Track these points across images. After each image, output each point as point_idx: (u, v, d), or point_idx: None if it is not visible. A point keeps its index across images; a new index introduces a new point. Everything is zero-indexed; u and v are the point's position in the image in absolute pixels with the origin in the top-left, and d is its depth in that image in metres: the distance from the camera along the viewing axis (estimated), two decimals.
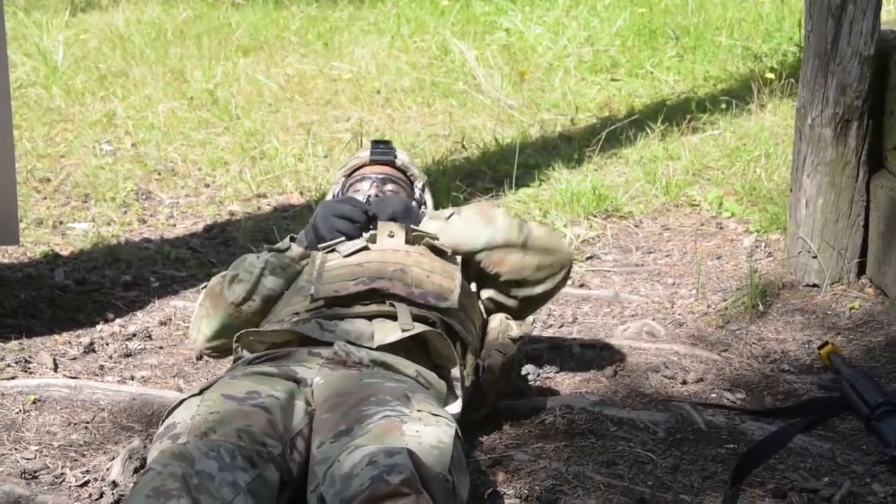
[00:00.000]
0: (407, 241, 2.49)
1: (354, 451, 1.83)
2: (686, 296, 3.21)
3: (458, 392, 2.29)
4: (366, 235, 2.52)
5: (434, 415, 1.99)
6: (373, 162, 2.81)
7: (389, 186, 2.77)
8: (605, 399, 2.54)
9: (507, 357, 2.40)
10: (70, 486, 2.18)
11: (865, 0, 2.99)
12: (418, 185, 2.85)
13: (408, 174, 2.84)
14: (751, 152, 4.12)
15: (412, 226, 2.54)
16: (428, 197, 2.87)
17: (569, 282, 3.32)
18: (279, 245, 2.58)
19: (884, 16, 3.14)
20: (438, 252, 2.51)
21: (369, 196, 2.72)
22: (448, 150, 4.38)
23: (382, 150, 2.82)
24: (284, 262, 2.54)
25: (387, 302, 2.34)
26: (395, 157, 2.83)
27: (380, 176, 2.78)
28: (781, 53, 5.18)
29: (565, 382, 2.70)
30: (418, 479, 1.76)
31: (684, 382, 2.66)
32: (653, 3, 5.86)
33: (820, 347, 2.69)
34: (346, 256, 2.46)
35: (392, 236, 2.50)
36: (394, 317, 2.31)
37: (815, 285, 3.14)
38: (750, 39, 5.39)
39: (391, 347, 2.24)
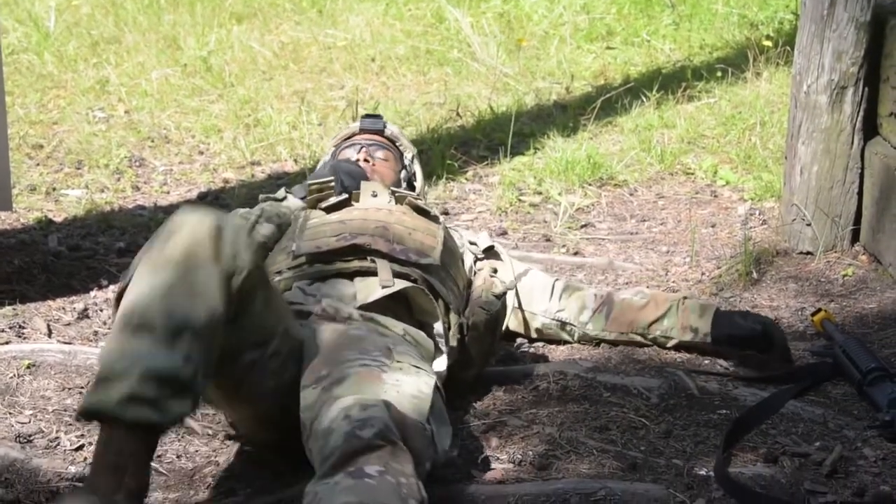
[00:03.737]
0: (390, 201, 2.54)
1: (333, 403, 1.85)
2: (680, 263, 3.22)
3: (443, 347, 2.31)
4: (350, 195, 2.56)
5: (415, 367, 2.01)
6: (362, 130, 2.86)
7: (379, 154, 2.81)
8: (598, 365, 2.55)
9: (492, 314, 2.41)
10: (65, 450, 2.18)
11: None
12: (408, 155, 2.89)
13: (397, 144, 2.88)
14: (746, 120, 4.12)
15: (395, 188, 2.59)
16: (417, 168, 2.90)
17: (563, 249, 3.34)
18: (276, 194, 2.59)
19: None
20: (421, 212, 2.53)
21: (358, 160, 2.76)
22: (443, 119, 4.37)
23: (372, 119, 2.89)
24: (281, 210, 2.56)
25: (368, 258, 2.35)
26: (385, 126, 2.88)
27: (369, 142, 2.82)
28: (778, 21, 5.16)
29: (559, 349, 2.71)
30: (395, 430, 1.77)
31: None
32: None
33: (813, 314, 2.70)
34: (328, 213, 2.48)
35: (375, 196, 2.54)
36: (374, 273, 2.32)
37: (808, 253, 3.15)
38: (746, 7, 5.37)
39: (375, 306, 2.26)
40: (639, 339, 2.66)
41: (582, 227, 3.50)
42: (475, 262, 2.66)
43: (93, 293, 2.97)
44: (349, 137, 2.88)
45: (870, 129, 3.11)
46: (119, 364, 1.76)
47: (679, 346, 2.65)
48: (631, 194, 3.73)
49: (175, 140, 4.23)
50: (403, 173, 2.84)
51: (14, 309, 2.80)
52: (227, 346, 1.90)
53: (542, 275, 2.77)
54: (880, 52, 3.05)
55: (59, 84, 4.76)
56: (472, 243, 2.71)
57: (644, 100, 4.37)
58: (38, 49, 5.12)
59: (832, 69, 3.04)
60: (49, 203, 3.62)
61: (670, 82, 4.55)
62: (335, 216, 2.47)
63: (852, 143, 3.09)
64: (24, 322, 2.74)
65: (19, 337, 2.67)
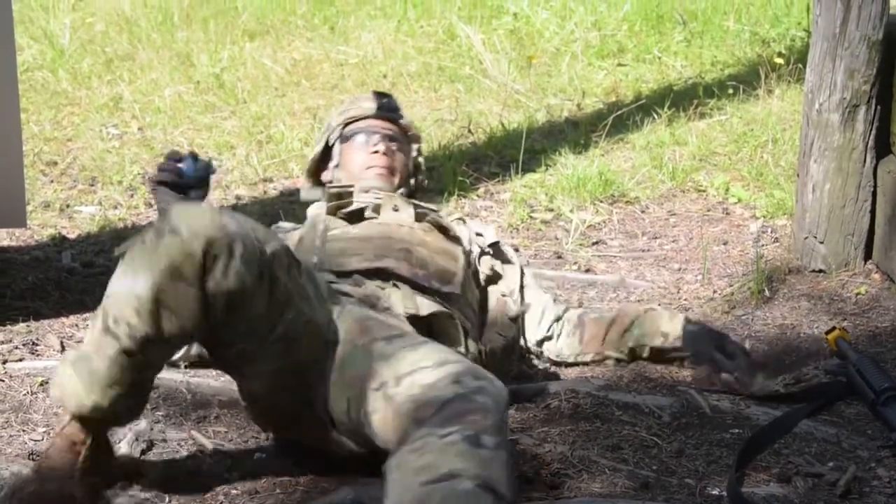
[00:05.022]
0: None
1: (438, 367, 1.81)
2: (692, 281, 3.21)
3: None
4: (371, 205, 2.51)
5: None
6: (379, 116, 2.73)
7: (395, 146, 2.70)
8: (610, 384, 2.54)
9: (508, 339, 2.41)
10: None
11: None
12: (415, 147, 2.81)
13: (409, 133, 2.79)
14: (758, 138, 4.12)
15: (416, 202, 2.55)
16: (421, 160, 2.83)
17: (574, 267, 3.35)
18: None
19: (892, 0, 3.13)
20: (442, 230, 2.51)
21: (377, 151, 2.66)
22: (454, 135, 4.38)
23: (388, 102, 2.75)
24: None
25: (391, 282, 2.34)
26: (402, 115, 2.78)
27: (387, 132, 2.71)
28: (790, 38, 5.16)
29: (571, 367, 2.71)
30: (503, 406, 1.77)
31: (690, 367, 2.66)
32: None
33: (827, 332, 2.69)
34: (350, 224, 2.45)
35: (397, 210, 2.50)
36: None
37: (821, 271, 3.14)
38: (758, 24, 5.37)
39: None
40: (614, 354, 2.65)
41: (593, 244, 3.50)
42: (480, 255, 2.62)
43: None
44: (362, 119, 2.72)
45: (882, 147, 3.10)
46: (83, 367, 1.91)
47: (654, 355, 2.64)
48: (642, 211, 3.73)
49: None
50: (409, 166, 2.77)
51: (28, 326, 2.82)
52: (217, 338, 1.93)
53: (537, 294, 2.71)
54: (892, 70, 3.04)
55: (73, 101, 4.79)
56: (478, 234, 2.65)
57: (655, 117, 4.38)
58: (53, 66, 5.16)
59: (844, 87, 3.04)
60: (63, 220, 3.64)
61: (682, 99, 4.56)
62: (357, 230, 2.43)
63: (865, 161, 3.09)
64: (37, 339, 2.75)
65: (33, 354, 2.68)
